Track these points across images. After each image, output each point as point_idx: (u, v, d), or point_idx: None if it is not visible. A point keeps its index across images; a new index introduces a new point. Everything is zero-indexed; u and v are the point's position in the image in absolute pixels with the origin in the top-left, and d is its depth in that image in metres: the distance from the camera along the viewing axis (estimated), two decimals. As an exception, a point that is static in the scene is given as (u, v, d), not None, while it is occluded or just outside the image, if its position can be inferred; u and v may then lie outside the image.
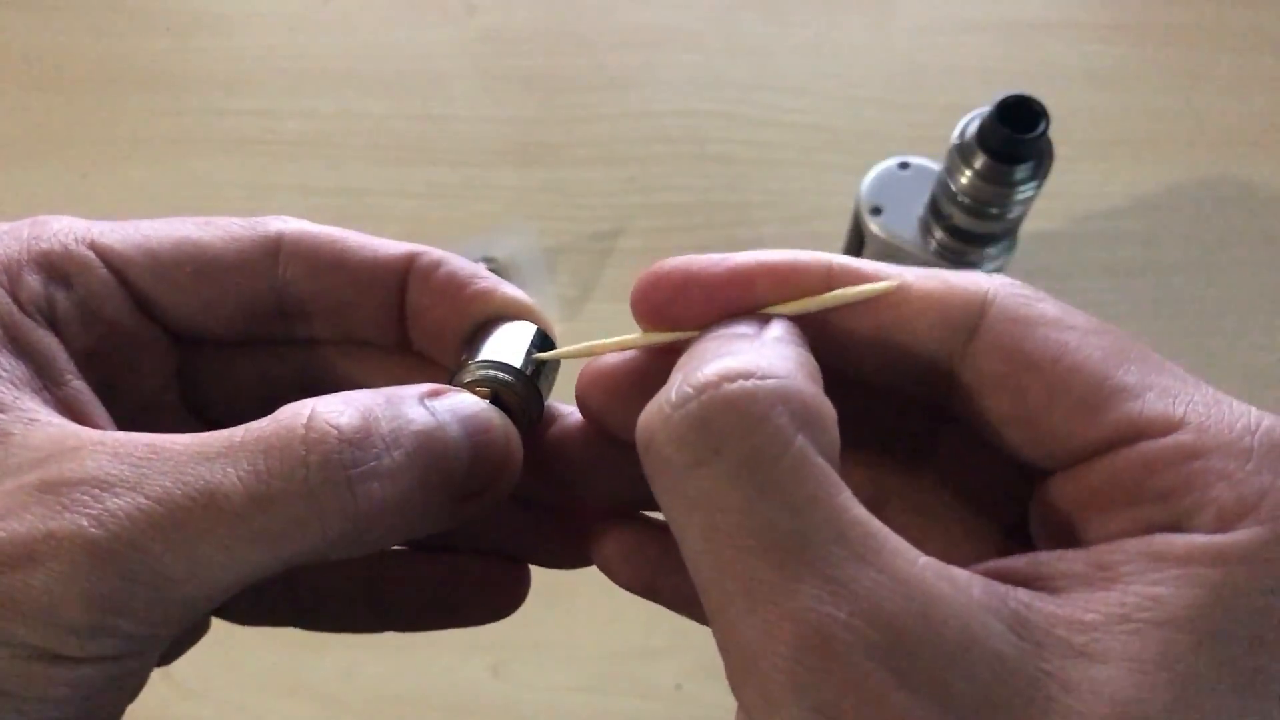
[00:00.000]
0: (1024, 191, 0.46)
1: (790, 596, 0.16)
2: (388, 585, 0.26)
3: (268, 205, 0.66)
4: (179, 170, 0.67)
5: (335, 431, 0.19)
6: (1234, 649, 0.16)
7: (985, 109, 0.45)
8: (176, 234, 0.24)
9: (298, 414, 0.19)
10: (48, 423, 0.20)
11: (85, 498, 0.18)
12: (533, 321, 0.24)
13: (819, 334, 0.20)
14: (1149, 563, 0.17)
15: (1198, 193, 0.67)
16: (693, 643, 0.52)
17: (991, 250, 0.50)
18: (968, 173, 0.46)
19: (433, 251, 0.24)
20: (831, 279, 0.20)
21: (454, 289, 0.24)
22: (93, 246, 0.23)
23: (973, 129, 0.46)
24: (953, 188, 0.47)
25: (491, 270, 0.68)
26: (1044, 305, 0.19)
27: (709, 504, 0.17)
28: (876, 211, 0.51)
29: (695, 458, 0.17)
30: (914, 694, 0.16)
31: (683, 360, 0.19)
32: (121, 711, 0.21)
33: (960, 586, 0.17)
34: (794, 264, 0.20)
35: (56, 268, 0.22)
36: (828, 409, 0.18)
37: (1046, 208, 0.59)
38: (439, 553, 0.26)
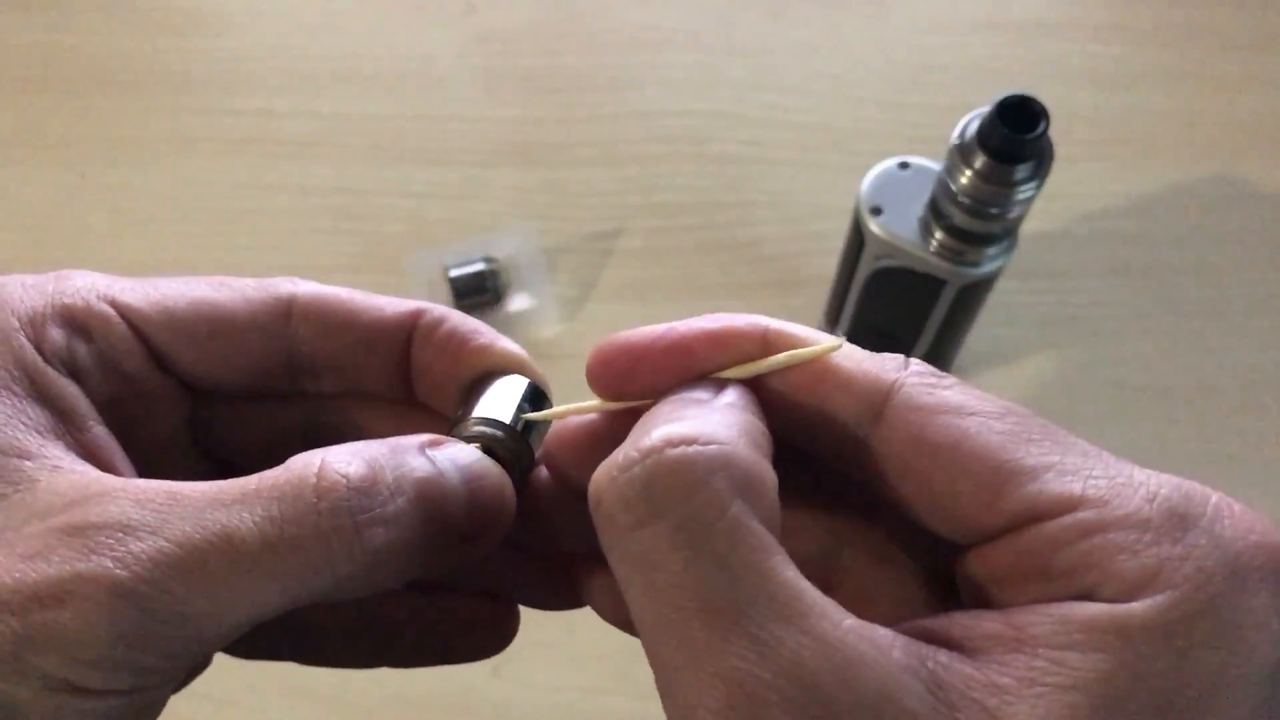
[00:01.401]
0: (1024, 191, 0.46)
1: (720, 655, 0.17)
2: (383, 624, 0.27)
3: (268, 205, 0.66)
4: (179, 170, 0.67)
5: (344, 480, 0.20)
6: (1139, 715, 0.17)
7: (985, 109, 0.45)
8: (193, 294, 0.25)
9: (309, 464, 0.21)
10: (71, 470, 0.21)
11: (110, 541, 0.19)
12: (526, 375, 0.25)
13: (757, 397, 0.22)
14: (1058, 627, 0.18)
15: (1198, 193, 0.67)
16: (693, 643, 0.52)
17: (991, 250, 0.50)
18: (968, 173, 0.46)
19: (435, 309, 0.26)
20: (767, 343, 0.22)
21: (455, 345, 0.25)
22: (113, 303, 0.24)
23: (973, 129, 0.46)
24: (953, 188, 0.47)
25: (491, 270, 0.68)
26: (947, 393, 0.20)
27: (649, 563, 0.18)
28: (876, 211, 0.51)
29: (637, 519, 0.18)
30: None
31: (637, 425, 0.20)
32: None
33: (881, 648, 0.18)
34: (731, 330, 0.22)
35: (79, 322, 0.23)
36: (767, 475, 0.19)
37: (1046, 208, 0.59)
38: (433, 593, 0.27)
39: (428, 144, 0.68)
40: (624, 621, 0.25)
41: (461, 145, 0.68)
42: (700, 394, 0.21)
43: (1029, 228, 0.51)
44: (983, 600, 0.20)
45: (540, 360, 0.26)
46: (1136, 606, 0.17)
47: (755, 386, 0.22)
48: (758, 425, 0.20)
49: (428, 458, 0.22)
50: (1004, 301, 0.61)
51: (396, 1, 0.74)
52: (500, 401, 0.25)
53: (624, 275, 0.63)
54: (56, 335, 0.22)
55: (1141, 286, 0.64)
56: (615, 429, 0.23)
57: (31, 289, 0.23)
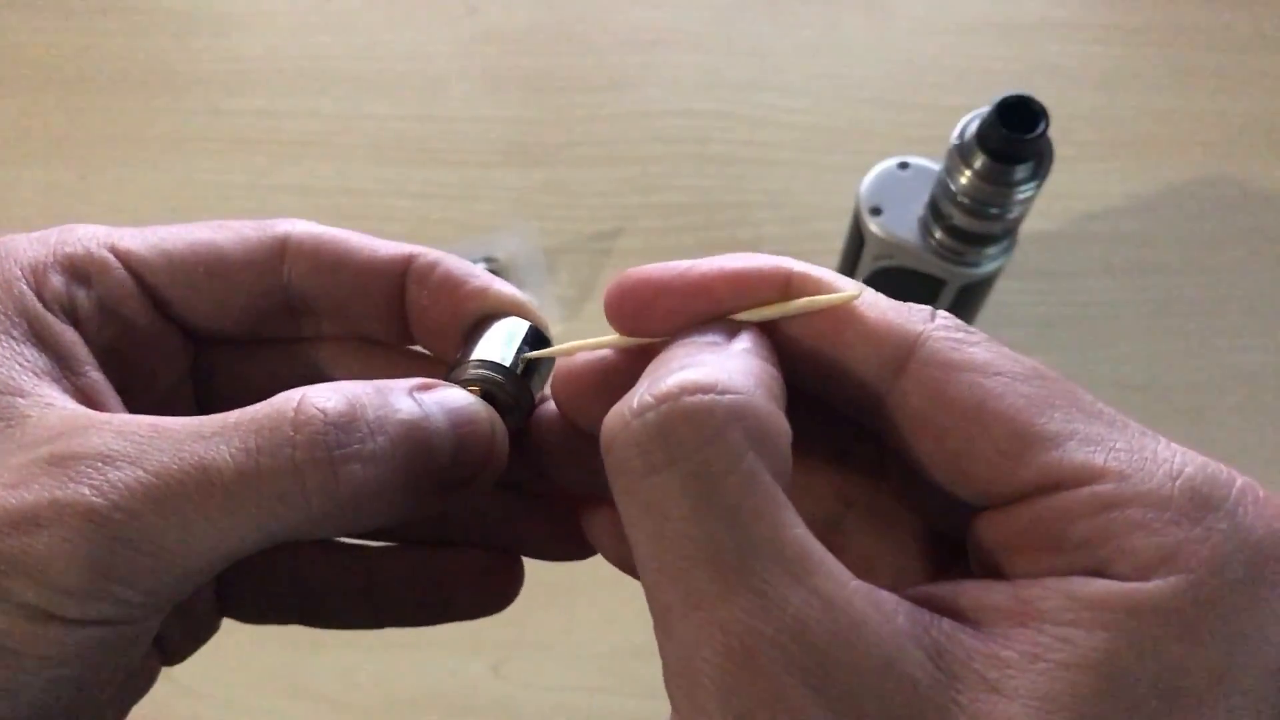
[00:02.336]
0: (1024, 191, 0.46)
1: (723, 607, 0.17)
2: (386, 581, 0.27)
3: (268, 205, 0.66)
4: (179, 170, 0.67)
5: (322, 415, 0.20)
6: (1142, 698, 0.16)
7: (985, 109, 0.45)
8: (191, 236, 0.25)
9: (289, 399, 0.21)
10: (63, 408, 0.21)
11: (89, 470, 0.19)
12: (526, 318, 0.25)
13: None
14: (1066, 604, 0.17)
15: (1198, 193, 0.67)
16: (693, 643, 0.52)
17: (991, 250, 0.50)
18: (967, 173, 0.46)
19: (430, 252, 0.25)
20: (790, 287, 0.21)
21: (450, 288, 0.25)
22: (113, 249, 0.24)
23: (973, 129, 0.46)
24: (952, 188, 0.47)
25: (492, 270, 0.68)
26: (974, 350, 0.20)
27: (659, 510, 0.18)
28: (876, 211, 0.51)
29: (650, 465, 0.18)
30: (828, 710, 0.16)
31: (650, 367, 0.20)
32: (118, 679, 0.22)
33: (886, 613, 0.17)
34: (753, 271, 0.21)
35: (79, 268, 0.23)
36: (783, 428, 0.19)
37: (1046, 208, 0.59)
38: (435, 547, 0.27)
39: (428, 144, 0.68)
40: (627, 564, 0.25)
41: (461, 145, 0.68)
42: (715, 337, 0.20)
43: (1029, 228, 0.51)
44: (991, 566, 0.20)
45: (540, 360, 0.26)
46: (1148, 586, 0.17)
47: (771, 331, 0.21)
48: (773, 374, 0.20)
49: (415, 400, 0.22)
50: (1004, 301, 0.61)
51: (396, 1, 0.74)
52: (499, 344, 0.24)
53: (624, 275, 0.63)
54: (57, 281, 0.23)
55: (1141, 286, 0.64)
56: (626, 367, 0.22)
57: (36, 241, 0.23)
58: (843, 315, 0.20)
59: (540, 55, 0.72)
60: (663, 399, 0.18)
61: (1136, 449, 0.18)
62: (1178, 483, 0.18)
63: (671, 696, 0.18)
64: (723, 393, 0.18)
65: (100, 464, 0.19)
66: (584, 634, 0.54)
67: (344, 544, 0.27)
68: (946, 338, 0.20)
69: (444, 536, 0.27)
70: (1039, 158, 0.45)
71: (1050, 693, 0.16)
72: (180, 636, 0.25)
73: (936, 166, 0.50)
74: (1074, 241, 0.65)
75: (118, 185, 0.66)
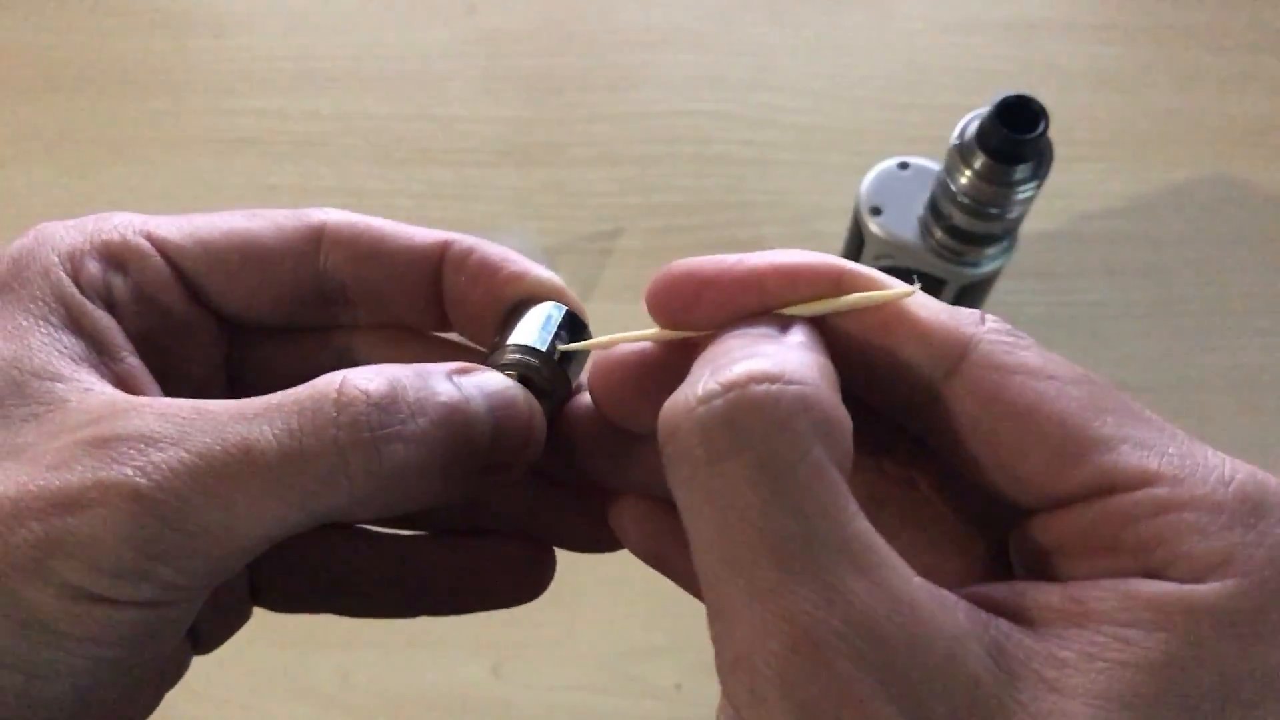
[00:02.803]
0: (1024, 191, 0.46)
1: (789, 598, 0.17)
2: (418, 569, 0.27)
3: (268, 205, 0.66)
4: (179, 170, 0.67)
5: (364, 396, 0.20)
6: (1199, 699, 0.17)
7: (985, 109, 0.45)
8: (226, 225, 0.25)
9: (330, 380, 0.21)
10: (101, 392, 0.21)
11: (132, 451, 0.19)
12: (563, 302, 0.25)
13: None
14: (1123, 604, 0.17)
15: (1198, 193, 0.67)
16: (693, 643, 0.52)
17: (991, 250, 0.50)
18: (967, 173, 0.46)
19: (465, 239, 0.25)
20: (843, 283, 0.21)
21: (488, 273, 0.25)
22: (149, 237, 0.24)
23: (973, 129, 0.46)
24: (952, 188, 0.47)
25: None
26: (1026, 354, 0.20)
27: (724, 500, 0.18)
28: (876, 211, 0.51)
29: (716, 453, 0.18)
30: (893, 705, 0.16)
31: (706, 356, 0.20)
32: (155, 666, 0.22)
33: (948, 609, 0.17)
34: (807, 267, 0.21)
35: (115, 256, 0.24)
36: (845, 420, 0.19)
37: (1046, 208, 0.59)
38: (467, 536, 0.27)
39: (428, 144, 0.68)
40: (647, 552, 0.25)
41: (461, 145, 0.68)
42: (767, 330, 0.20)
43: (1029, 228, 0.51)
44: (1039, 569, 0.20)
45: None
46: (1205, 589, 0.17)
47: (820, 328, 0.21)
48: (831, 367, 0.20)
49: (454, 384, 0.22)
50: (1004, 301, 0.61)
51: (396, 1, 0.74)
52: (536, 329, 0.24)
53: (624, 275, 0.63)
54: (94, 269, 0.23)
55: (1141, 286, 0.64)
56: (666, 361, 0.22)
57: (72, 229, 0.24)
58: (895, 313, 0.20)
59: (540, 55, 0.72)
60: (730, 386, 0.18)
61: (1187, 454, 0.18)
62: (1230, 488, 0.18)
63: (726, 685, 0.18)
64: (789, 383, 0.18)
65: (143, 445, 0.19)
66: (584, 634, 0.54)
67: (377, 532, 0.27)
68: (1000, 340, 0.20)
69: (475, 525, 0.27)
70: (1039, 158, 0.45)
71: (1110, 692, 0.16)
72: (212, 625, 0.25)
73: (936, 166, 0.50)
74: (1074, 241, 0.65)
75: (118, 185, 0.66)
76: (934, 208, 0.49)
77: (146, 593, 0.19)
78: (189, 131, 0.68)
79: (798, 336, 0.20)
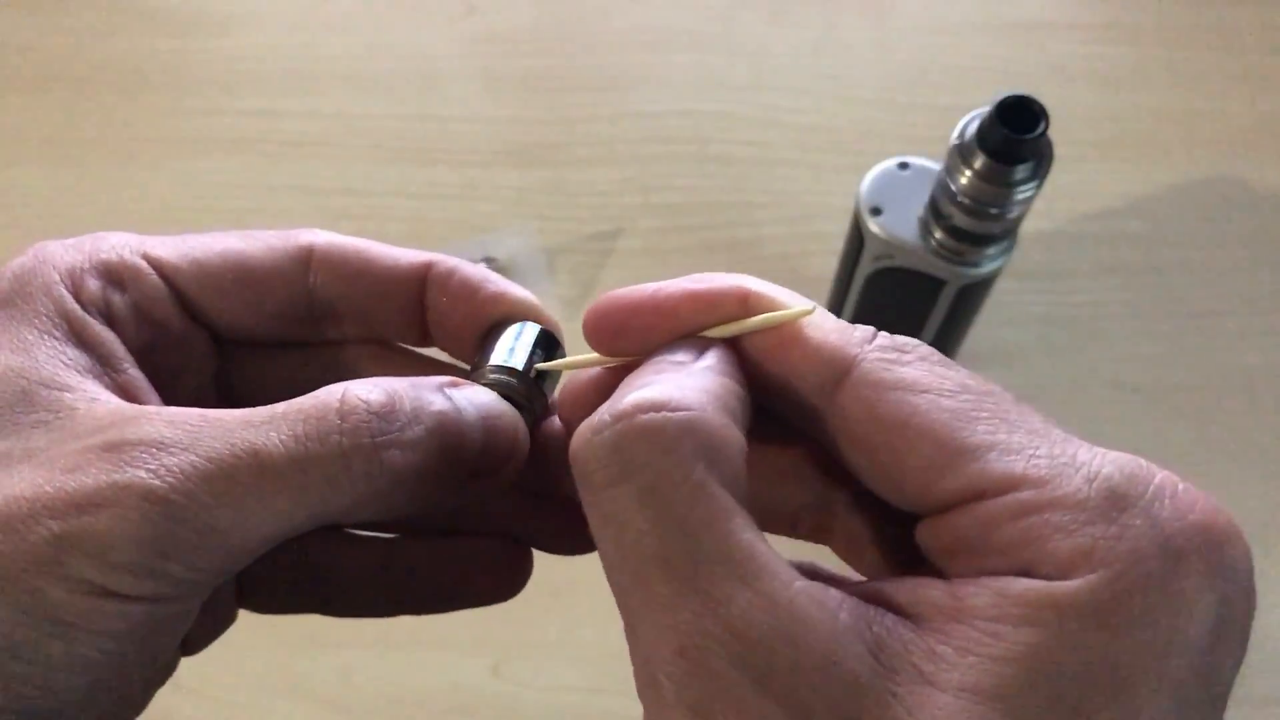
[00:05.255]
0: (1024, 191, 0.46)
1: (677, 610, 0.18)
2: (401, 569, 0.28)
3: (268, 205, 0.66)
4: (179, 170, 0.67)
5: (365, 405, 0.22)
6: (1065, 689, 0.17)
7: (985, 109, 0.45)
8: (220, 245, 0.26)
9: (331, 392, 0.22)
10: (108, 401, 0.22)
11: (144, 455, 0.20)
12: (539, 322, 0.27)
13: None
14: (994, 600, 0.18)
15: (1198, 193, 0.67)
16: (693, 643, 0.52)
17: (991, 250, 0.50)
18: (967, 173, 0.46)
19: (447, 260, 0.27)
20: (749, 304, 0.22)
21: (468, 293, 0.26)
22: (146, 257, 0.25)
23: (973, 129, 0.46)
24: (952, 188, 0.47)
25: (491, 270, 0.68)
26: (905, 369, 0.21)
27: (619, 520, 0.19)
28: (876, 211, 0.51)
29: (609, 478, 0.19)
30: (773, 703, 0.18)
31: (619, 388, 0.21)
32: (165, 656, 0.23)
33: (829, 610, 0.18)
34: (714, 291, 0.22)
35: (114, 274, 0.25)
36: (733, 440, 0.20)
37: (1046, 208, 0.59)
38: (450, 537, 0.28)
39: (428, 144, 0.68)
40: None
41: (461, 145, 0.68)
42: (681, 355, 0.22)
43: (1029, 228, 0.51)
44: (934, 568, 0.21)
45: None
46: (1069, 585, 0.18)
47: (736, 346, 0.22)
48: (732, 388, 0.21)
49: (446, 396, 0.23)
50: (1004, 301, 0.61)
51: (396, 1, 0.74)
52: (514, 349, 0.26)
53: (624, 275, 0.63)
54: (94, 286, 0.24)
55: (1141, 286, 0.64)
56: (615, 384, 0.23)
57: (71, 247, 0.25)
58: (788, 334, 0.22)
59: (540, 55, 0.72)
60: (619, 417, 0.20)
61: (1057, 455, 0.19)
62: (1094, 485, 0.19)
63: (640, 695, 0.19)
64: (675, 410, 0.19)
65: (155, 450, 0.20)
66: (584, 634, 0.54)
67: (360, 535, 0.28)
68: (880, 358, 0.21)
69: (458, 526, 0.28)
70: (1039, 158, 0.45)
71: (979, 684, 0.17)
72: (200, 627, 0.26)
73: (936, 166, 0.50)
74: (1074, 241, 0.65)
75: (118, 185, 0.66)
76: (934, 208, 0.49)
77: (156, 588, 0.20)
78: (189, 131, 0.68)
79: (706, 361, 0.22)
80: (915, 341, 0.21)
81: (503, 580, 0.28)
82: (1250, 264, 0.65)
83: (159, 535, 0.20)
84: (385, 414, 0.22)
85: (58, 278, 0.24)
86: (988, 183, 0.46)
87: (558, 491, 0.27)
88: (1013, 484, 0.19)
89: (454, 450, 0.23)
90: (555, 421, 0.27)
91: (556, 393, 0.26)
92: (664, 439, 0.19)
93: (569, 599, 0.53)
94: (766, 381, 0.22)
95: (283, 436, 0.21)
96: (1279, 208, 0.66)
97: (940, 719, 0.17)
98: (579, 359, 0.25)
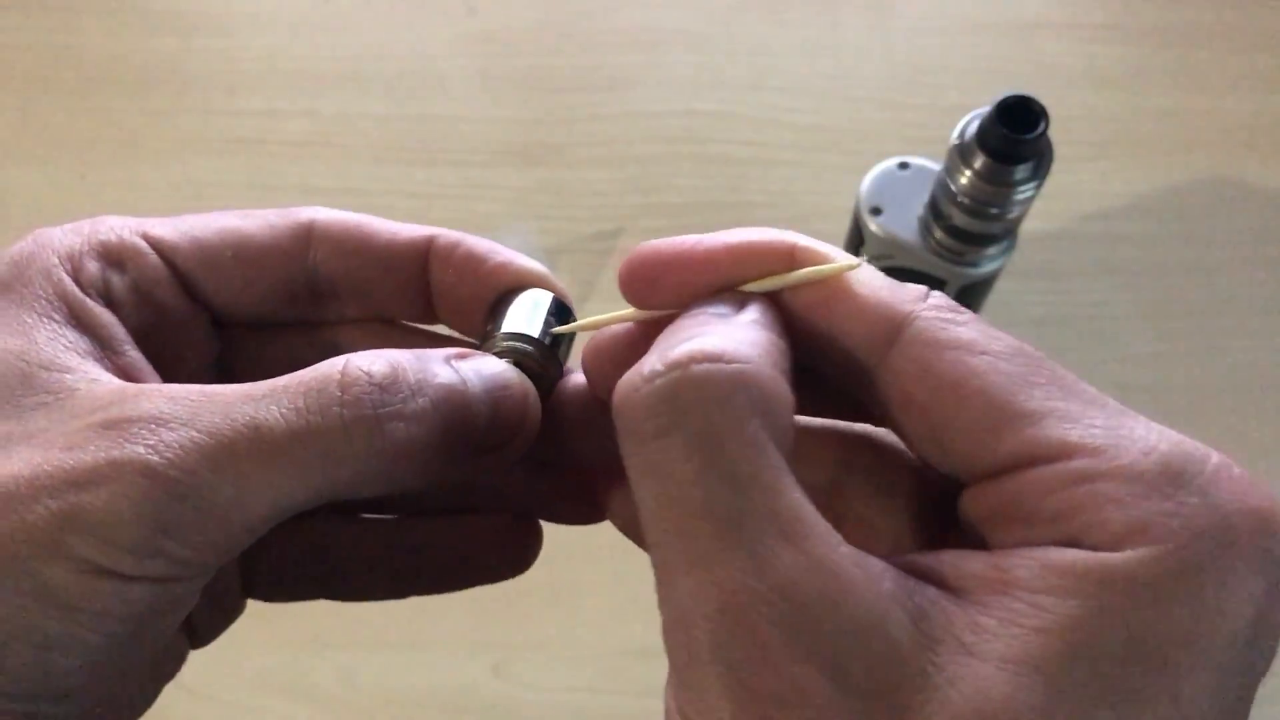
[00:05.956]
0: (1024, 191, 0.46)
1: (720, 564, 0.18)
2: (406, 550, 0.27)
3: (268, 205, 0.66)
4: (179, 170, 0.67)
5: (367, 377, 0.21)
6: (1109, 664, 0.17)
7: (985, 109, 0.45)
8: (219, 223, 0.26)
9: (334, 364, 0.22)
10: (109, 382, 0.22)
11: (143, 431, 0.20)
12: (548, 289, 0.26)
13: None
14: (1040, 572, 0.18)
15: (1198, 193, 0.67)
16: (693, 643, 0.52)
17: (991, 250, 0.50)
18: (967, 173, 0.46)
19: (450, 233, 0.26)
20: (795, 259, 0.22)
21: (474, 264, 0.26)
22: (145, 236, 0.25)
23: (973, 129, 0.46)
24: (952, 188, 0.47)
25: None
26: (961, 329, 0.20)
27: (665, 472, 0.19)
28: (876, 211, 0.51)
29: (658, 428, 0.19)
30: (812, 666, 0.17)
31: (661, 337, 0.21)
32: (165, 640, 0.23)
33: (873, 576, 0.18)
34: (758, 244, 0.22)
35: (113, 255, 0.24)
36: (785, 396, 0.20)
37: (1046, 208, 0.59)
38: (453, 515, 0.28)
39: (428, 144, 0.68)
40: (639, 534, 0.25)
41: (461, 145, 0.68)
42: (724, 309, 0.21)
43: (1029, 228, 0.51)
44: (977, 538, 0.20)
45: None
46: (1118, 557, 0.18)
47: (777, 303, 0.22)
48: (779, 344, 0.21)
49: (452, 368, 0.23)
50: (1004, 301, 0.61)
51: (396, 1, 0.74)
52: (526, 316, 0.25)
53: (624, 275, 0.63)
54: (93, 267, 0.24)
55: (1141, 286, 0.64)
56: (645, 339, 0.23)
57: (69, 231, 0.25)
58: (838, 289, 0.21)
59: (540, 55, 0.72)
60: (672, 366, 0.19)
61: (1114, 426, 0.19)
62: (1151, 458, 0.18)
63: (669, 649, 0.19)
64: (729, 361, 0.19)
65: (155, 426, 0.20)
66: (584, 634, 0.54)
67: (364, 517, 0.28)
68: (936, 317, 0.20)
69: (463, 503, 0.28)
70: (1039, 158, 0.45)
71: (1021, 656, 0.17)
72: (208, 617, 0.26)
73: (936, 166, 0.50)
74: (1074, 241, 0.65)
75: (118, 185, 0.66)
76: (934, 208, 0.49)
77: (157, 568, 0.20)
78: (189, 131, 0.68)
79: (750, 315, 0.21)
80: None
81: (511, 556, 0.27)
82: (1250, 264, 0.65)
83: (159, 512, 0.19)
84: (387, 385, 0.21)
85: (56, 261, 0.23)
86: (988, 183, 0.46)
87: (573, 458, 0.26)
88: (1068, 451, 0.19)
89: (460, 423, 0.22)
90: (571, 386, 0.26)
91: (569, 360, 0.26)
92: (719, 391, 0.19)
93: (569, 599, 0.54)
94: (809, 339, 0.22)
95: (283, 410, 0.21)
96: (1278, 208, 0.66)
97: (981, 690, 0.17)
98: (603, 318, 0.24)
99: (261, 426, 0.20)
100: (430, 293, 0.26)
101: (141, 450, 0.20)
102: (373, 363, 0.22)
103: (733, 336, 0.20)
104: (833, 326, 0.21)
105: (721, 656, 0.18)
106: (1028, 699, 0.17)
